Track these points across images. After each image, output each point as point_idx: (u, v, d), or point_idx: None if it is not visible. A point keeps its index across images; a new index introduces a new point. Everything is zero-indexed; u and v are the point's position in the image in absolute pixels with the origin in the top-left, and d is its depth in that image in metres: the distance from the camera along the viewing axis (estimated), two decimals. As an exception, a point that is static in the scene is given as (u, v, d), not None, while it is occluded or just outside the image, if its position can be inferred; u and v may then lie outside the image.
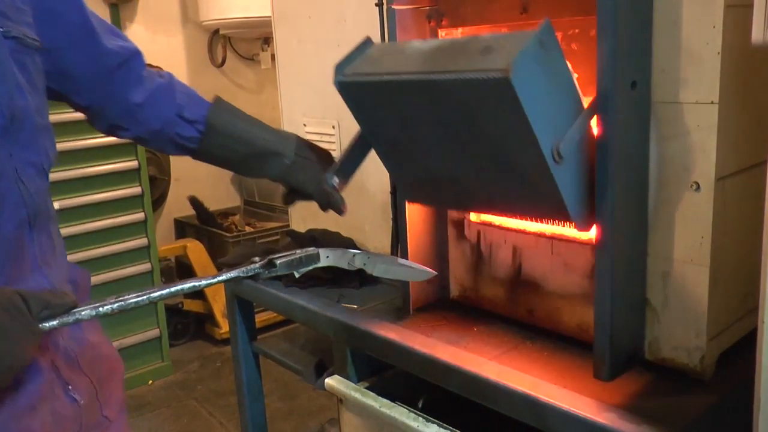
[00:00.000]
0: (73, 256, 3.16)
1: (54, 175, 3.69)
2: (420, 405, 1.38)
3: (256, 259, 1.11)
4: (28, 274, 0.95)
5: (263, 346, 2.00)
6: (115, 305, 0.92)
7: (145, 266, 3.49)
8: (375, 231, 1.87)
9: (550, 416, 1.12)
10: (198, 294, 3.90)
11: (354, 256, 1.24)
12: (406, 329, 1.43)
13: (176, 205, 4.34)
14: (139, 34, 4.13)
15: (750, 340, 1.11)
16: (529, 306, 1.41)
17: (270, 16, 2.11)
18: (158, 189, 4.05)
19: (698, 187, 1.11)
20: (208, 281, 1.03)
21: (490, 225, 1.47)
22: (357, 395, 1.41)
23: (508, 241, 1.43)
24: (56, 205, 3.54)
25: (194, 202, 4.26)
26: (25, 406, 0.91)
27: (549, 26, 1.01)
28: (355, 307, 1.59)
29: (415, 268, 1.32)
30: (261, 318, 2.83)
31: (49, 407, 0.96)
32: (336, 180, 1.30)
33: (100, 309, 0.90)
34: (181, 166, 4.27)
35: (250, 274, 1.10)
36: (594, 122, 1.11)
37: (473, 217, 1.50)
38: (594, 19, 1.08)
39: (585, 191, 1.13)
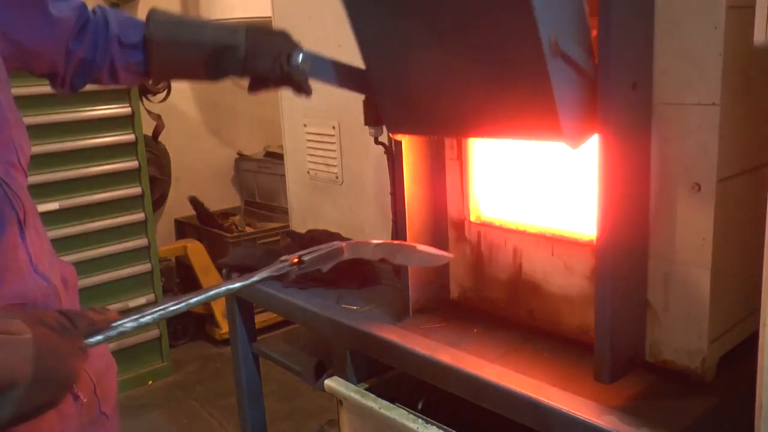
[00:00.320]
0: (73, 256, 3.15)
1: (54, 175, 3.69)
2: (419, 406, 1.37)
3: (285, 257, 1.12)
4: (26, 275, 0.94)
5: (263, 346, 1.99)
6: (156, 314, 0.93)
7: (145, 267, 3.49)
8: (375, 232, 1.86)
9: (550, 418, 1.11)
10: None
11: (375, 246, 1.24)
12: (406, 330, 1.42)
13: (176, 206, 4.34)
14: (140, 34, 4.12)
15: (751, 342, 1.11)
16: (529, 307, 1.41)
17: (270, 17, 2.11)
18: (158, 189, 4.05)
19: (700, 189, 1.10)
20: (243, 283, 1.04)
21: (490, 226, 1.46)
22: (356, 396, 1.40)
23: (508, 242, 1.42)
24: (56, 204, 3.54)
25: (194, 202, 4.26)
26: None
27: None
28: (355, 308, 1.59)
29: (434, 254, 1.32)
30: (261, 319, 2.83)
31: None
32: (301, 57, 1.25)
33: (141, 320, 0.91)
34: (182, 166, 4.27)
35: (282, 272, 1.11)
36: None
37: (473, 218, 1.50)
38: (595, 20, 1.08)
39: (578, 101, 1.09)
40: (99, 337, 0.86)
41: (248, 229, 4.22)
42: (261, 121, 4.57)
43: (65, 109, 3.13)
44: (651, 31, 1.12)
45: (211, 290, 1.00)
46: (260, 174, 4.48)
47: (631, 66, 1.10)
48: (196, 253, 4.01)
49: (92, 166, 3.27)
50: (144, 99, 3.78)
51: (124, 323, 0.89)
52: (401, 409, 1.32)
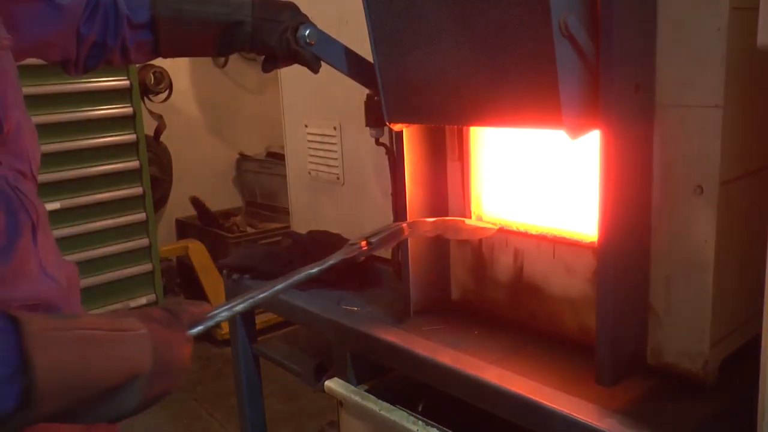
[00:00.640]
0: (74, 256, 3.16)
1: (55, 175, 3.70)
2: (420, 408, 1.37)
3: (354, 241, 1.20)
4: (37, 277, 0.95)
5: (263, 347, 1.99)
6: (246, 303, 0.99)
7: (146, 267, 3.49)
8: (376, 233, 1.86)
9: (551, 421, 1.11)
10: (199, 295, 3.90)
11: (432, 224, 1.33)
12: (407, 332, 1.42)
13: (178, 206, 4.34)
14: (142, 34, 4.12)
15: (754, 345, 1.10)
16: (530, 309, 1.40)
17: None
18: (160, 189, 4.05)
19: (702, 191, 1.10)
20: (320, 267, 1.11)
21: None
22: (357, 398, 1.40)
23: (509, 243, 1.42)
24: (57, 204, 3.55)
25: (196, 202, 4.26)
26: None
27: None
28: (356, 309, 1.58)
29: (480, 227, 1.42)
30: (261, 320, 2.83)
31: None
32: (308, 32, 1.25)
33: (234, 308, 0.98)
34: (183, 166, 4.27)
35: (353, 254, 1.18)
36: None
37: (474, 219, 1.49)
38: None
39: (580, 90, 1.09)
40: (200, 327, 0.93)
41: (249, 230, 4.22)
42: (262, 121, 4.57)
43: (67, 109, 3.13)
44: (654, 32, 1.12)
45: (293, 276, 1.07)
46: (261, 174, 4.48)
47: (633, 67, 1.09)
48: (197, 253, 4.01)
49: (93, 166, 3.27)
50: (145, 99, 3.78)
51: (219, 313, 0.96)
52: (402, 411, 1.32)
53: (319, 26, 1.29)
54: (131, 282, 3.41)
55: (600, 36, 1.07)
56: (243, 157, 4.64)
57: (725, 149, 1.07)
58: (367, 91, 1.45)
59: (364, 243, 1.19)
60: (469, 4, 1.14)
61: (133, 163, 3.39)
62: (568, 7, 1.03)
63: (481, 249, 1.48)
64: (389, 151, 1.54)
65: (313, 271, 1.09)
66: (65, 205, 3.16)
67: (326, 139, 1.97)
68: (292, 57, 1.28)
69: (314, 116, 2.02)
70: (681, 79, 1.10)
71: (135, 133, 3.38)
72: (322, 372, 1.70)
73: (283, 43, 1.25)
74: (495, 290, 1.47)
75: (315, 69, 1.30)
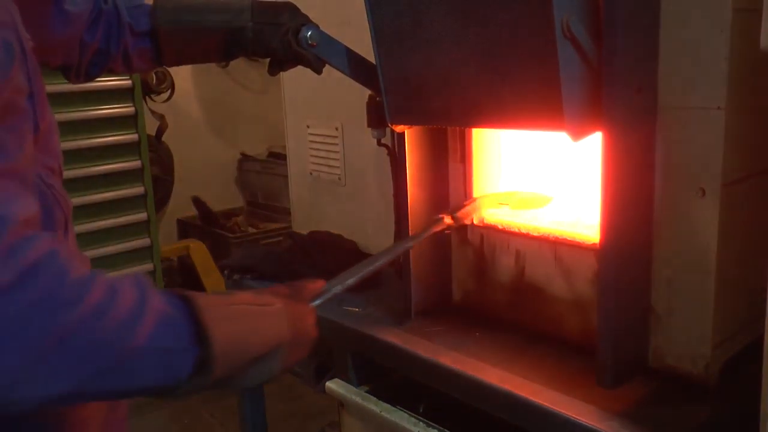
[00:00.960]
0: (76, 256, 3.15)
1: (56, 175, 3.58)
2: (421, 410, 1.37)
3: (439, 216, 1.29)
4: None
5: (264, 348, 1.99)
6: (356, 277, 1.10)
7: (147, 266, 3.49)
8: (378, 234, 1.86)
9: (552, 423, 1.11)
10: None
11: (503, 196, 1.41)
12: (408, 333, 1.42)
13: (179, 206, 4.34)
14: (144, 34, 4.13)
15: (755, 347, 1.10)
16: (531, 311, 1.40)
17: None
18: (161, 189, 4.05)
19: (704, 193, 1.10)
20: (414, 241, 1.25)
21: (493, 229, 1.45)
22: (358, 399, 1.40)
23: (511, 245, 1.42)
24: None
25: (197, 202, 4.26)
26: None
27: None
28: (357, 310, 1.58)
29: (536, 197, 1.46)
30: (262, 319, 2.82)
31: None
32: (309, 33, 1.25)
33: (346, 282, 1.09)
34: (185, 166, 4.27)
35: (441, 227, 1.27)
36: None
37: (476, 220, 1.49)
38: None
39: (582, 91, 1.08)
40: (319, 300, 1.04)
41: (251, 230, 4.22)
42: (264, 121, 4.57)
43: (68, 108, 3.13)
44: (656, 34, 1.11)
45: (394, 249, 1.20)
46: (263, 174, 4.48)
47: (636, 69, 1.09)
48: (199, 253, 4.01)
49: (95, 165, 3.27)
50: (147, 99, 3.79)
51: (333, 287, 1.07)
52: (402, 412, 1.32)
53: (321, 27, 1.29)
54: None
55: (602, 37, 1.07)
56: (244, 157, 4.64)
57: (728, 151, 1.07)
58: (369, 91, 1.45)
59: (449, 217, 1.26)
60: (472, 5, 1.14)
61: (135, 163, 3.39)
62: (571, 9, 1.03)
63: (483, 250, 1.48)
64: (391, 153, 1.54)
65: (410, 244, 1.24)
66: (66, 205, 3.16)
67: (328, 140, 1.97)
68: (295, 59, 1.28)
69: (316, 117, 2.02)
70: (683, 81, 1.10)
71: (137, 132, 3.37)
72: (323, 373, 1.70)
73: (285, 45, 1.25)
74: (496, 292, 1.47)
75: (318, 70, 1.30)
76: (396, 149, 1.48)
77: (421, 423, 1.28)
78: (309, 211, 2.15)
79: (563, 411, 1.10)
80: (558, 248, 1.33)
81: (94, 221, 3.28)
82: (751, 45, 0.92)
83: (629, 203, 1.13)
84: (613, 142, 1.08)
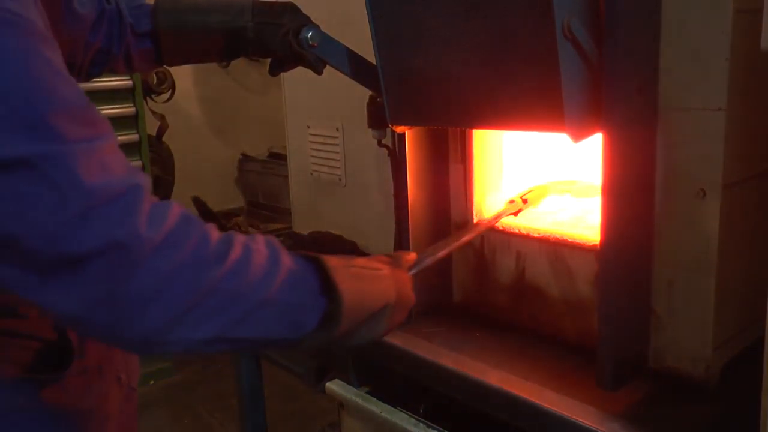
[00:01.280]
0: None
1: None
2: (421, 411, 1.36)
3: (513, 198, 1.35)
4: None
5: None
6: (445, 250, 1.22)
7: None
8: (378, 234, 1.86)
9: (552, 424, 1.10)
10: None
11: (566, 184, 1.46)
12: (408, 334, 1.42)
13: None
14: (145, 34, 4.13)
15: (756, 349, 1.10)
16: (532, 312, 1.40)
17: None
18: (162, 189, 4.05)
19: (705, 195, 1.09)
20: (497, 219, 1.32)
21: (493, 230, 1.45)
22: (358, 400, 1.40)
23: (511, 246, 1.42)
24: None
25: (198, 202, 4.25)
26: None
27: None
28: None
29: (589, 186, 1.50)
30: (263, 320, 2.82)
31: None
32: (310, 34, 1.24)
33: (436, 254, 1.20)
34: (186, 166, 4.27)
35: (517, 210, 1.35)
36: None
37: (476, 221, 1.49)
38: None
39: (583, 93, 1.08)
40: (414, 270, 1.15)
41: (251, 230, 4.21)
42: (265, 121, 4.57)
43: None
44: (657, 35, 1.11)
45: (478, 227, 1.30)
46: (264, 175, 4.48)
47: (636, 70, 1.09)
48: (199, 253, 4.01)
49: (96, 165, 3.26)
50: (148, 99, 3.78)
51: (425, 258, 1.18)
52: (403, 413, 1.32)
53: (322, 27, 1.29)
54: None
55: (603, 38, 1.07)
56: (245, 158, 4.64)
57: (728, 152, 1.07)
58: (369, 92, 1.44)
59: (521, 200, 1.32)
60: (472, 5, 1.14)
61: (136, 163, 3.39)
62: (571, 10, 1.03)
63: (483, 251, 1.48)
64: (391, 153, 1.54)
65: (489, 224, 1.31)
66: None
67: (328, 140, 1.97)
68: (295, 59, 1.28)
69: (317, 117, 2.02)
70: (684, 82, 1.10)
71: (137, 132, 3.37)
72: (323, 373, 1.69)
73: (286, 46, 1.25)
74: (497, 293, 1.47)
75: (319, 71, 1.30)
76: (396, 150, 1.47)
77: (421, 424, 1.28)
78: (309, 212, 2.15)
79: (563, 412, 1.10)
80: (558, 249, 1.33)
81: (95, 221, 3.28)
82: (752, 46, 0.92)
83: (630, 204, 1.13)
84: (613, 143, 1.08)
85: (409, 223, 1.46)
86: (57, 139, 0.70)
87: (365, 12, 1.29)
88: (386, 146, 1.53)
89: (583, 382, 1.19)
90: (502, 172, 1.53)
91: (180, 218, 0.80)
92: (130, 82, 3.32)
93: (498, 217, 1.29)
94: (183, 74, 4.22)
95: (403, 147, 1.43)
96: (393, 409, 1.33)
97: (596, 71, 1.08)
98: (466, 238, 1.23)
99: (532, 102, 1.11)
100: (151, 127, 3.77)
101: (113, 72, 1.28)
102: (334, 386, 1.46)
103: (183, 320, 0.78)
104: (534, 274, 1.38)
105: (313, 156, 2.06)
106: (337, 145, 1.93)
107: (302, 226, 2.16)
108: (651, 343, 1.21)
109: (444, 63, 1.23)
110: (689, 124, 1.10)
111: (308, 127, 2.05)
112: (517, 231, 1.40)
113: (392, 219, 1.69)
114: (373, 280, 1.01)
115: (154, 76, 3.82)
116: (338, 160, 1.95)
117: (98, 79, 1.29)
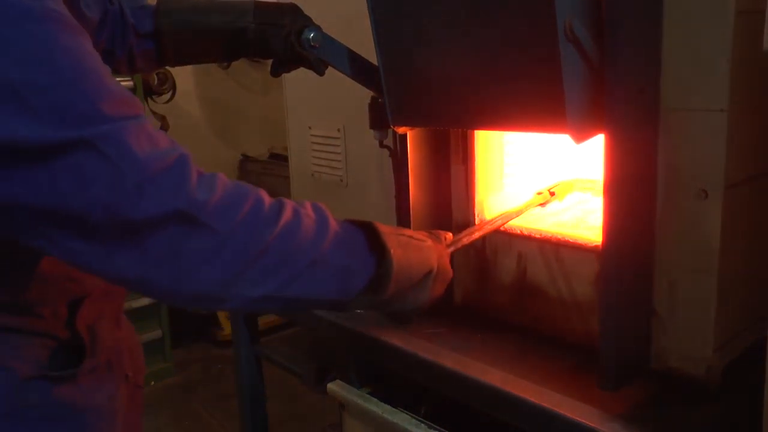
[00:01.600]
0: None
1: (58, 175, 3.63)
2: (422, 412, 1.36)
3: (541, 190, 1.38)
4: None
5: (265, 349, 1.99)
6: (481, 231, 1.27)
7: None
8: (379, 235, 1.86)
9: (553, 425, 1.10)
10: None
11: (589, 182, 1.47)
12: (410, 335, 1.41)
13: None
14: (146, 35, 4.13)
15: (758, 350, 1.10)
16: (533, 313, 1.40)
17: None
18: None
19: (706, 195, 1.10)
20: (526, 209, 1.34)
21: (495, 230, 1.45)
22: (359, 401, 1.40)
23: (513, 247, 1.42)
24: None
25: (198, 203, 4.25)
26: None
27: None
28: (359, 311, 1.58)
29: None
30: (264, 321, 2.82)
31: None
32: (312, 35, 1.25)
33: (472, 236, 1.25)
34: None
35: (545, 201, 1.38)
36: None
37: (478, 222, 1.49)
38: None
39: (585, 94, 1.09)
40: (452, 248, 1.18)
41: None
42: (265, 122, 4.57)
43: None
44: (659, 35, 1.11)
45: (505, 215, 1.31)
46: (264, 175, 4.47)
47: (638, 71, 1.09)
48: (200, 254, 4.01)
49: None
50: (149, 100, 3.79)
51: (461, 238, 1.23)
52: (404, 414, 1.32)
53: (323, 28, 1.29)
54: (133, 282, 3.41)
55: (605, 39, 1.07)
56: (246, 158, 4.64)
57: (730, 153, 1.07)
58: (370, 93, 1.45)
59: (549, 192, 1.35)
60: (474, 7, 1.14)
61: (136, 164, 3.39)
62: (573, 11, 1.03)
63: (485, 252, 1.48)
64: (393, 154, 1.54)
65: (517, 214, 1.33)
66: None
67: (330, 141, 1.97)
68: (297, 60, 1.28)
69: (318, 118, 2.02)
70: (686, 82, 1.10)
71: (138, 133, 3.37)
72: (324, 374, 1.69)
73: (288, 47, 1.26)
74: (498, 293, 1.47)
75: (320, 72, 1.30)
76: (398, 151, 1.48)
77: (422, 425, 1.28)
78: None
79: (565, 412, 1.09)
80: (560, 250, 1.33)
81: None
82: (753, 47, 0.92)
83: (631, 205, 1.13)
84: (615, 144, 1.08)
85: (411, 224, 1.46)
86: (109, 120, 0.75)
87: (366, 13, 1.29)
88: (388, 147, 1.54)
89: (584, 382, 1.19)
90: (504, 173, 1.53)
91: (232, 183, 0.86)
92: (131, 82, 3.32)
93: (527, 207, 1.33)
94: (184, 75, 4.22)
95: (405, 148, 1.43)
96: (394, 409, 1.33)
97: (598, 72, 1.08)
98: (497, 225, 1.28)
99: (534, 103, 1.11)
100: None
101: (115, 73, 1.28)
102: (336, 387, 1.46)
103: (239, 278, 0.84)
104: (535, 275, 1.38)
105: (314, 157, 2.06)
106: (339, 146, 1.93)
107: (303, 227, 2.16)
108: (652, 343, 1.21)
109: (445, 64, 1.24)
110: (691, 125, 1.10)
111: (309, 127, 2.05)
112: (518, 231, 1.40)
113: (394, 220, 1.69)
114: (419, 250, 1.05)
115: (155, 76, 3.82)
116: (339, 161, 1.95)
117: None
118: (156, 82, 3.85)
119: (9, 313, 0.93)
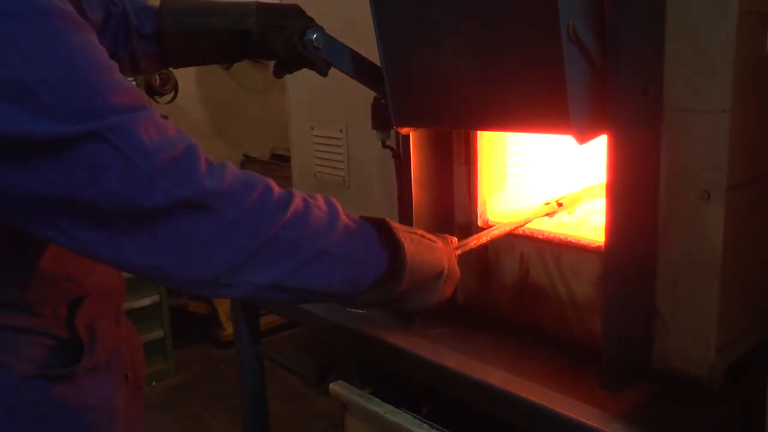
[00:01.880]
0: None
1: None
2: (424, 412, 1.37)
3: (549, 200, 1.37)
4: (108, 268, 1.03)
5: (267, 349, 1.99)
6: (487, 236, 1.27)
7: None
8: (381, 235, 1.86)
9: (555, 425, 1.11)
10: (202, 296, 3.90)
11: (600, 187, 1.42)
12: (412, 335, 1.42)
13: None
14: (148, 35, 4.13)
15: (760, 350, 1.10)
16: (535, 313, 1.40)
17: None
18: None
19: (709, 196, 1.10)
20: (533, 218, 1.33)
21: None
22: (361, 401, 1.40)
23: (515, 247, 1.42)
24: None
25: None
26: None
27: None
28: (361, 311, 1.58)
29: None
30: (266, 321, 2.82)
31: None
32: (315, 36, 1.25)
33: (480, 240, 1.25)
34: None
35: (552, 212, 1.36)
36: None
37: (480, 222, 1.49)
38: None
39: (588, 94, 1.09)
40: (459, 250, 1.19)
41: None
42: (267, 122, 4.57)
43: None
44: (662, 36, 1.12)
45: (512, 223, 1.32)
46: (266, 176, 4.45)
47: (641, 72, 1.09)
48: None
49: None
50: (151, 100, 3.79)
51: (469, 243, 1.23)
52: (407, 414, 1.32)
53: (326, 28, 1.29)
54: (135, 282, 3.41)
55: (608, 40, 1.07)
56: (248, 159, 4.64)
57: (733, 154, 1.07)
58: (373, 93, 1.45)
59: (556, 203, 1.34)
60: (477, 7, 1.14)
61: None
62: (576, 12, 1.03)
63: (487, 253, 1.48)
64: (395, 155, 1.54)
65: (525, 222, 1.33)
66: (70, 206, 3.16)
67: (332, 142, 1.97)
68: (300, 61, 1.28)
69: (320, 118, 2.02)
70: (689, 83, 1.10)
71: (140, 133, 3.38)
72: (326, 374, 1.69)
73: (290, 48, 1.26)
74: (500, 294, 1.47)
75: (323, 73, 1.30)
76: (401, 151, 1.48)
77: (424, 425, 1.28)
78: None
79: (567, 413, 1.10)
80: (562, 250, 1.33)
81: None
82: (756, 48, 0.92)
83: (634, 206, 1.13)
84: (618, 145, 1.08)
85: (413, 225, 1.46)
86: (118, 112, 0.77)
87: (369, 13, 1.29)
88: (390, 148, 1.54)
89: (586, 382, 1.19)
90: (507, 174, 1.53)
91: (241, 172, 0.87)
92: (133, 82, 3.33)
93: (534, 216, 1.33)
94: (186, 75, 4.22)
95: (408, 148, 1.43)
96: (397, 410, 1.33)
97: (601, 73, 1.08)
98: (503, 231, 1.29)
99: (537, 104, 1.12)
100: (154, 128, 3.76)
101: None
102: (338, 387, 1.46)
103: (246, 265, 0.85)
104: (537, 275, 1.38)
105: (316, 157, 2.06)
106: (341, 146, 1.94)
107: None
108: (655, 344, 1.21)
109: (449, 65, 1.24)
110: (694, 126, 1.10)
111: (312, 128, 2.05)
112: (520, 232, 1.40)
113: (396, 221, 1.69)
114: (432, 249, 1.07)
115: (158, 77, 3.83)
116: (342, 162, 1.95)
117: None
118: (158, 82, 3.85)
119: (8, 312, 0.94)
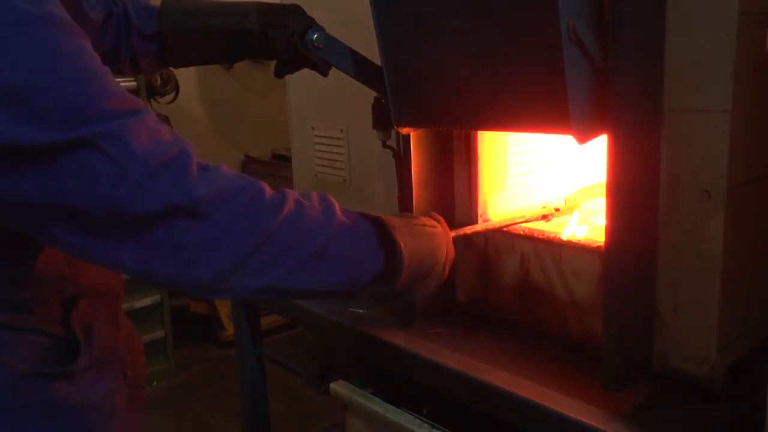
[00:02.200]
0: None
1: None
2: (425, 411, 1.37)
3: (546, 205, 1.38)
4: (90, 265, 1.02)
5: (268, 349, 1.99)
6: (482, 226, 1.32)
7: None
8: (382, 235, 1.86)
9: (556, 425, 1.11)
10: (203, 297, 3.90)
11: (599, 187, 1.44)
12: (412, 335, 1.42)
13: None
14: (149, 35, 4.13)
15: (761, 350, 1.10)
16: (536, 313, 1.40)
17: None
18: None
19: (709, 196, 1.10)
20: (529, 218, 1.35)
21: (497, 230, 1.45)
22: (362, 400, 1.40)
23: (516, 247, 1.42)
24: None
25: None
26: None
27: None
28: (362, 311, 1.58)
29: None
30: (266, 321, 2.82)
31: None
32: (315, 36, 1.25)
33: (474, 228, 1.29)
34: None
35: (547, 216, 1.37)
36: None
37: (480, 222, 1.49)
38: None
39: (588, 94, 1.09)
40: (454, 233, 1.19)
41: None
42: (268, 123, 4.57)
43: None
44: (662, 36, 1.12)
45: (506, 220, 1.35)
46: (267, 176, 4.46)
47: (642, 72, 1.10)
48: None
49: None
50: (152, 100, 3.79)
51: (465, 229, 1.27)
52: (407, 414, 1.32)
53: (326, 28, 1.29)
54: (136, 283, 3.41)
55: (608, 40, 1.07)
56: (248, 159, 4.64)
57: (733, 154, 1.07)
58: (374, 93, 1.45)
59: (555, 208, 1.35)
60: (478, 8, 1.14)
61: (139, 164, 3.39)
62: (576, 12, 1.03)
63: (488, 252, 1.48)
64: (396, 154, 1.54)
65: (521, 221, 1.35)
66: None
67: (333, 142, 1.97)
68: (301, 61, 1.29)
69: (321, 118, 2.02)
70: (689, 83, 1.10)
71: (141, 133, 3.38)
72: (327, 374, 1.70)
73: (291, 48, 1.26)
74: (501, 294, 1.47)
75: (324, 73, 1.30)
76: (401, 151, 1.48)
77: (425, 425, 1.28)
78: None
79: (567, 413, 1.10)
80: (563, 250, 1.33)
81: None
82: (757, 48, 0.92)
83: (634, 205, 1.13)
84: (618, 145, 1.08)
85: (414, 224, 1.46)
86: (109, 118, 0.77)
87: (369, 14, 1.29)
88: (391, 147, 1.54)
89: (587, 382, 1.19)
90: (507, 174, 1.54)
91: (233, 174, 0.88)
92: (134, 83, 3.33)
93: (531, 217, 1.34)
94: (187, 75, 4.23)
95: (408, 148, 1.43)
96: (397, 409, 1.34)
97: (601, 73, 1.08)
98: (498, 225, 1.33)
99: (538, 104, 1.12)
100: (155, 128, 3.77)
101: (119, 73, 1.29)
102: (338, 387, 1.46)
103: (239, 268, 0.86)
104: (538, 275, 1.38)
105: (317, 157, 2.07)
106: (342, 146, 1.94)
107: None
108: (655, 344, 1.21)
109: (449, 65, 1.24)
110: (694, 126, 1.10)
111: (312, 128, 2.05)
112: (521, 232, 1.40)
113: (396, 220, 1.69)
114: (431, 237, 1.07)
115: (158, 77, 3.83)
116: (343, 162, 1.95)
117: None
118: (159, 82, 3.85)
119: (3, 310, 0.94)
